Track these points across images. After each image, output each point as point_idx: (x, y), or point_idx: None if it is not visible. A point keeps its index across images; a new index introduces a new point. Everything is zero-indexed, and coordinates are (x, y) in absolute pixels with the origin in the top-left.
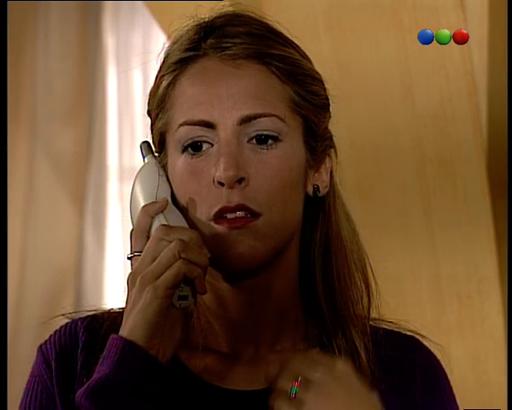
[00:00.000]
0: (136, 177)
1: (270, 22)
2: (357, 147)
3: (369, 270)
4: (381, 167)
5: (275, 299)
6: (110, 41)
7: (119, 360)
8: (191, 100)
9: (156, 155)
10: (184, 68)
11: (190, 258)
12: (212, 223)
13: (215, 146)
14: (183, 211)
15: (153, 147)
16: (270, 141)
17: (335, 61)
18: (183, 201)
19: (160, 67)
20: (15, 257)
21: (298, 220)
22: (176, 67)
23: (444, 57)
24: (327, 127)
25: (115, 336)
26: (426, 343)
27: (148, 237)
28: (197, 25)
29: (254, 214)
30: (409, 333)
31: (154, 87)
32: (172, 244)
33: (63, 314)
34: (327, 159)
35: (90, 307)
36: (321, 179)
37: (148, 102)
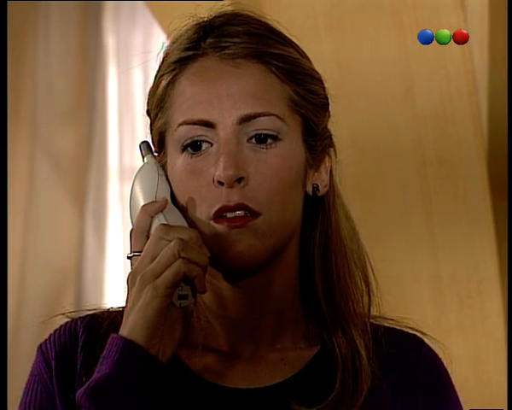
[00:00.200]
0: (135, 176)
1: (269, 21)
2: (357, 147)
3: (369, 269)
4: (382, 167)
5: (275, 298)
6: (110, 41)
7: (119, 360)
8: (190, 99)
9: (156, 154)
10: (184, 68)
11: (190, 257)
12: (212, 222)
13: (214, 145)
14: (183, 210)
15: (152, 147)
16: (269, 140)
17: (336, 61)
18: (182, 200)
19: (160, 67)
20: (16, 257)
21: (297, 220)
22: (175, 66)
23: (444, 57)
24: (326, 126)
25: (115, 335)
26: (427, 341)
27: (148, 237)
28: (196, 24)
29: (254, 214)
30: (410, 331)
31: (153, 87)
32: (172, 243)
33: (63, 313)
34: (326, 158)
35: (89, 306)
36: (320, 179)
37: (148, 102)
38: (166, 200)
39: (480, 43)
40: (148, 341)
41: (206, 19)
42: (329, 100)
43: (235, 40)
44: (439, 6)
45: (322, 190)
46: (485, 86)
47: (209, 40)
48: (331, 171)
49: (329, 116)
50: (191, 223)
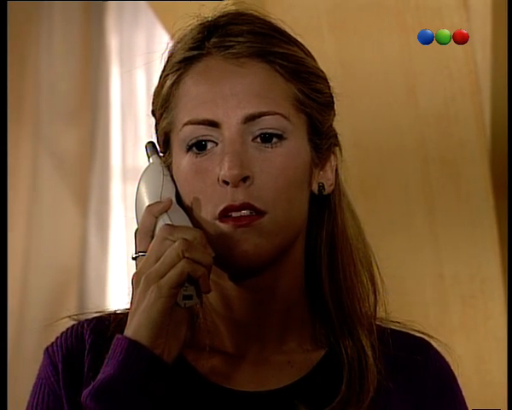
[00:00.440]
0: (141, 177)
1: (273, 21)
2: (360, 147)
3: (375, 268)
4: (384, 167)
5: (280, 297)
6: (113, 41)
7: (124, 360)
8: (195, 99)
9: (161, 154)
10: (188, 67)
11: (194, 257)
12: (217, 222)
13: (219, 145)
14: (188, 210)
15: (158, 147)
16: (274, 139)
17: (339, 61)
18: (187, 200)
19: (164, 67)
20: (19, 257)
21: (303, 218)
22: (180, 66)
23: (447, 57)
24: (331, 125)
25: (120, 336)
26: (434, 344)
27: (153, 237)
28: (201, 24)
29: (259, 213)
30: (417, 334)
31: (158, 87)
32: (176, 244)
33: (69, 316)
34: (332, 157)
35: (95, 308)
36: (326, 177)
37: (153, 102)
38: (171, 200)
39: (482, 43)
40: (153, 341)
41: (210, 18)
42: (334, 99)
43: (240, 39)
44: (442, 6)
45: (328, 189)
46: (488, 86)
47: (213, 40)
48: (337, 170)
49: (335, 115)
50: (196, 223)
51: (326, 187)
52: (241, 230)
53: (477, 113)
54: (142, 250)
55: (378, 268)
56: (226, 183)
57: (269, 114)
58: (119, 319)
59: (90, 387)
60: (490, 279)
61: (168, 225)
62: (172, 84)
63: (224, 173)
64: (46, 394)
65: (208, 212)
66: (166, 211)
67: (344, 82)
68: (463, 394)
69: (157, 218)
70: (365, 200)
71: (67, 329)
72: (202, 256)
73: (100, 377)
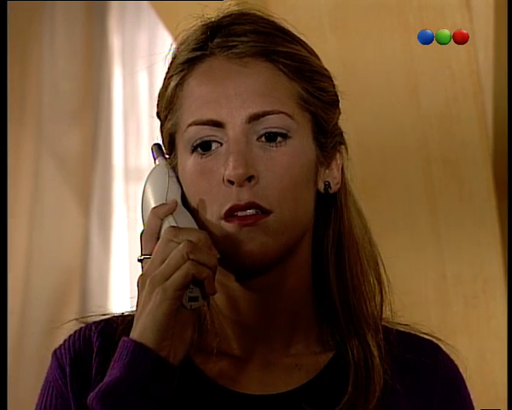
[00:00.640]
0: (146, 179)
1: (276, 20)
2: (362, 147)
3: (381, 267)
4: (387, 167)
5: (287, 297)
6: (116, 42)
7: (130, 363)
8: (199, 100)
9: (167, 156)
10: (192, 68)
11: (199, 259)
12: (223, 222)
13: (224, 145)
14: (194, 211)
15: (163, 149)
16: (279, 138)
17: (341, 62)
18: (193, 201)
19: (168, 68)
20: (21, 257)
21: (309, 217)
22: (183, 67)
23: (449, 57)
24: (337, 124)
25: (126, 338)
26: (443, 347)
27: (158, 239)
28: (204, 25)
29: (265, 212)
30: (426, 337)
31: (162, 89)
32: (181, 246)
33: (76, 319)
34: (337, 155)
35: (97, 308)
36: (332, 176)
37: (157, 104)
38: (176, 202)
39: (484, 43)
40: (159, 343)
41: (213, 19)
42: (339, 97)
43: (243, 39)
44: (444, 6)
45: (334, 188)
46: (491, 86)
47: (216, 40)
48: (342, 168)
49: (340, 113)
50: (202, 223)
51: (332, 186)
52: (247, 229)
53: (479, 113)
54: (147, 252)
55: (384, 267)
56: (231, 182)
57: (273, 113)
58: (127, 321)
59: (96, 390)
60: (492, 279)
61: (173, 227)
62: (176, 86)
63: (229, 173)
64: (54, 396)
65: (214, 212)
66: (171, 213)
67: (346, 82)
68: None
69: (162, 220)
70: (367, 200)
71: (75, 331)
72: (207, 258)
73: (106, 379)
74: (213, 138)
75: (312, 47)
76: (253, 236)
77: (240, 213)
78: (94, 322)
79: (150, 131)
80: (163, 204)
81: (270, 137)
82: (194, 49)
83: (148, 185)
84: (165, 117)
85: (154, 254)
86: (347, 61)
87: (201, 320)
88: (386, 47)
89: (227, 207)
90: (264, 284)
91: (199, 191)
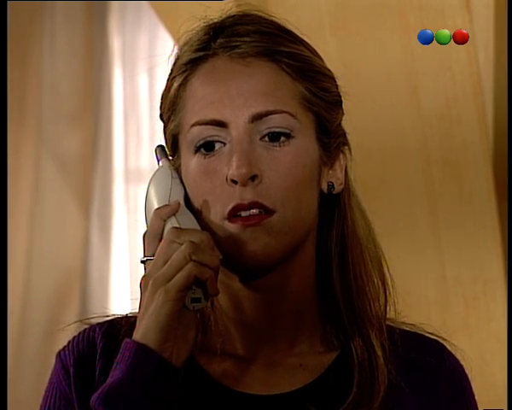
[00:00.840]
0: (150, 180)
1: (279, 20)
2: (362, 148)
3: (385, 267)
4: (387, 168)
5: (291, 297)
6: (116, 43)
7: (133, 364)
8: (202, 100)
9: (170, 158)
10: (195, 69)
11: (201, 260)
12: (226, 222)
13: (227, 145)
14: (197, 212)
15: (167, 150)
16: (282, 138)
17: (341, 62)
18: (196, 202)
19: (171, 69)
20: (21, 258)
21: (313, 217)
22: (186, 68)
23: (450, 58)
24: (340, 124)
25: (128, 340)
26: (448, 347)
27: (161, 240)
28: (207, 25)
29: (268, 211)
30: (431, 336)
31: (165, 90)
32: (183, 247)
33: (80, 320)
34: (341, 156)
35: (99, 311)
36: (335, 177)
37: (160, 106)
38: (179, 203)
39: (485, 44)
40: (161, 345)
41: (216, 20)
42: (342, 98)
43: (246, 39)
44: (445, 7)
45: (338, 188)
46: (491, 88)
47: (219, 40)
48: (346, 169)
49: (343, 114)
50: (205, 224)
51: (335, 186)
52: (250, 229)
53: (479, 114)
54: (150, 253)
55: (388, 268)
56: (235, 182)
57: (276, 113)
58: (131, 323)
59: (99, 391)
60: (492, 281)
61: (175, 228)
62: (179, 86)
63: (233, 173)
64: (58, 398)
65: (217, 212)
66: (174, 214)
67: (346, 83)
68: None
69: (165, 221)
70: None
71: (79, 333)
72: (209, 259)
73: (108, 381)
74: (216, 138)
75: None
76: (256, 236)
77: (243, 213)
78: (98, 323)
79: (150, 132)
80: (166, 205)
81: (274, 136)
82: (197, 50)
83: (151, 187)
84: (168, 118)
85: (156, 255)
86: (348, 62)
87: (205, 321)
88: (386, 48)
89: (230, 206)
90: (268, 284)
91: (202, 191)
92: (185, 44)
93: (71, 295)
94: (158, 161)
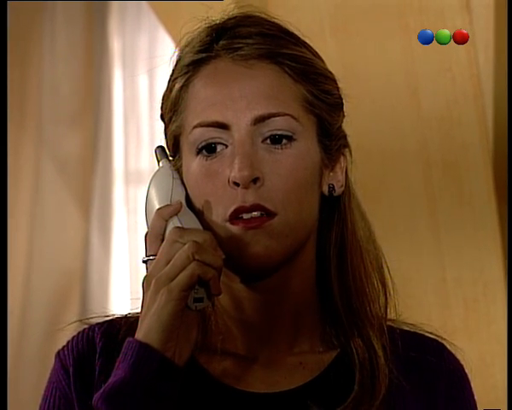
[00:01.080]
0: (150, 181)
1: (281, 23)
2: (362, 149)
3: (385, 269)
4: (387, 170)
5: (292, 298)
6: (116, 44)
7: (135, 363)
8: (204, 102)
9: (171, 158)
10: (197, 70)
11: (204, 259)
12: (228, 224)
13: (229, 147)
14: (199, 213)
15: (167, 151)
16: (284, 140)
17: (341, 64)
18: (198, 203)
19: (173, 70)
20: (21, 260)
21: (314, 220)
22: (188, 69)
23: (450, 60)
24: (341, 126)
25: (131, 339)
26: (448, 346)
27: (163, 240)
28: (209, 27)
29: (270, 214)
30: (431, 336)
31: (166, 90)
32: (186, 246)
33: (80, 320)
34: (342, 158)
35: (98, 311)
36: (336, 179)
37: (161, 106)
38: (181, 203)
39: (485, 45)
40: (164, 344)
41: (218, 21)
42: (343, 100)
43: (248, 41)
44: (445, 8)
45: (338, 191)
46: (491, 89)
47: (222, 42)
48: (346, 171)
49: (344, 116)
50: (207, 225)
51: (336, 188)
52: (252, 232)
53: (479, 115)
54: (152, 253)
55: (389, 270)
56: (236, 184)
57: (278, 115)
58: (130, 322)
59: (102, 390)
60: (492, 283)
61: (178, 227)
62: (181, 88)
63: (235, 175)
64: (57, 398)
65: (219, 214)
66: (176, 214)
67: (346, 85)
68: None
69: (167, 221)
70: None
71: (78, 333)
72: (212, 258)
73: (111, 380)
74: (218, 140)
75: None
76: (257, 239)
77: (245, 216)
78: (97, 323)
79: (150, 133)
80: (168, 205)
81: (276, 139)
82: (199, 51)
83: (152, 187)
84: (170, 119)
85: (159, 254)
86: (348, 64)
87: (205, 320)
88: (386, 49)
89: (232, 209)
90: (269, 285)
91: (204, 193)
92: (187, 46)
93: (71, 297)
94: (158, 162)
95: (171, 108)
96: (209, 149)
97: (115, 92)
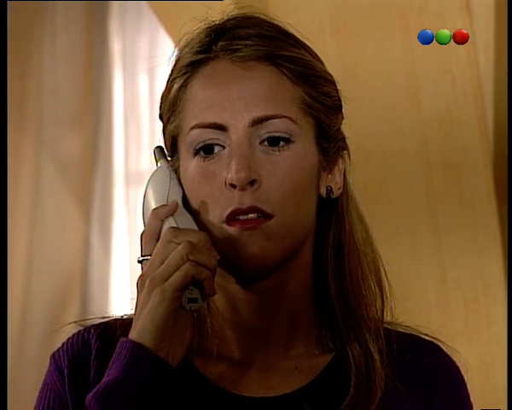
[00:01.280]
0: (148, 181)
1: (280, 24)
2: (362, 150)
3: (382, 272)
4: (387, 171)
5: (288, 300)
6: (116, 45)
7: (128, 363)
8: (202, 103)
9: (169, 158)
10: (195, 71)
11: (198, 260)
12: (225, 225)
13: (227, 149)
14: (196, 214)
15: (165, 151)
16: (281, 143)
17: (341, 65)
18: (195, 203)
19: (172, 71)
20: (21, 261)
21: (311, 222)
22: (187, 70)
23: (450, 61)
24: (339, 128)
25: (124, 339)
26: (444, 348)
27: (159, 240)
28: (208, 27)
29: (267, 216)
30: (427, 338)
31: (165, 90)
32: (180, 247)
33: (75, 322)
34: (340, 160)
35: (98, 312)
36: (334, 181)
37: (160, 106)
38: (177, 203)
39: (485, 46)
40: (157, 344)
41: (217, 22)
42: (342, 102)
43: (247, 42)
44: (445, 10)
45: (336, 193)
46: (491, 90)
47: (221, 43)
48: (345, 173)
49: (343, 118)
50: (203, 226)
51: (334, 191)
52: (248, 232)
53: (480, 117)
54: (147, 253)
55: (386, 273)
56: (233, 186)
57: (276, 118)
58: (126, 324)
59: (95, 390)
60: (493, 284)
61: (173, 228)
62: (180, 88)
63: (232, 177)
64: (52, 399)
65: (215, 215)
66: (172, 214)
67: (346, 85)
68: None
69: (163, 221)
70: (367, 204)
71: (74, 334)
72: (207, 259)
73: (104, 379)
74: (216, 142)
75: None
76: (254, 239)
77: (241, 217)
78: (93, 325)
79: (151, 134)
80: (164, 205)
81: (273, 141)
82: (198, 52)
83: (149, 187)
84: (168, 119)
85: (153, 254)
86: (348, 65)
87: (202, 323)
88: (386, 50)
89: (229, 210)
90: (266, 287)
91: (201, 194)
92: (186, 46)
93: (71, 298)
94: (156, 162)
95: (170, 109)
96: (206, 150)
97: (115, 93)
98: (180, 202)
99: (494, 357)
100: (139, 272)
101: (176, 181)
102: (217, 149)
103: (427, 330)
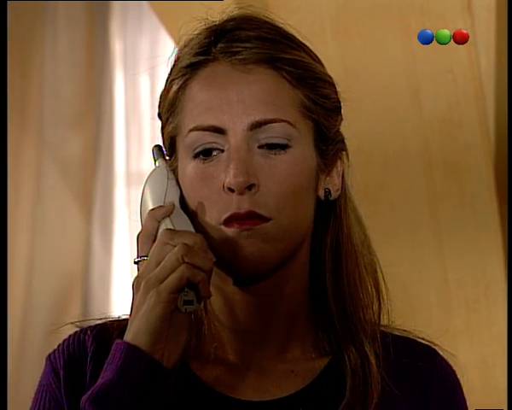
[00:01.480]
0: (146, 180)
1: (281, 25)
2: (364, 151)
3: (379, 275)
4: (388, 171)
5: (285, 302)
6: (117, 46)
7: (123, 365)
8: (201, 105)
9: (167, 158)
10: (194, 73)
11: (194, 262)
12: (222, 226)
13: (225, 152)
14: (193, 215)
15: (164, 150)
16: (280, 147)
17: (342, 66)
18: (192, 205)
19: (171, 71)
20: (23, 262)
21: (309, 224)
22: (186, 71)
23: (451, 61)
24: (338, 130)
25: (119, 341)
26: (440, 352)
27: (155, 242)
28: (208, 28)
29: (264, 219)
30: (423, 342)
31: (164, 91)
32: (176, 249)
33: (72, 322)
34: (338, 162)
35: (99, 313)
36: (332, 183)
37: (159, 105)
38: (173, 204)
39: (486, 47)
40: (152, 346)
41: (217, 23)
42: (342, 103)
43: (247, 45)
44: (446, 11)
45: (334, 195)
46: (492, 91)
47: (220, 45)
48: (343, 175)
49: (342, 120)
50: (200, 228)
51: (332, 193)
52: (246, 233)
53: (481, 117)
54: (143, 254)
55: (383, 275)
56: (231, 190)
57: (275, 122)
58: (123, 325)
59: (89, 392)
60: (494, 284)
61: (169, 229)
62: (178, 89)
63: (230, 181)
64: (48, 400)
65: (213, 217)
66: (169, 215)
67: (347, 86)
68: (467, 403)
69: (159, 222)
70: (369, 204)
71: (70, 336)
72: (202, 261)
73: (99, 382)
74: (214, 145)
75: (314, 51)
76: (251, 241)
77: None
78: (89, 326)
79: (152, 135)
80: (160, 206)
81: (272, 145)
82: (197, 54)
83: (147, 187)
84: (167, 119)
85: (149, 256)
86: (349, 65)
87: (199, 325)
88: (387, 51)
89: (227, 215)
90: (262, 288)
91: (198, 196)
92: (185, 47)
93: (72, 299)
94: (154, 161)
95: (168, 109)
96: (205, 153)
97: (117, 94)
98: (177, 203)
99: (495, 358)
100: None
101: (174, 181)
102: (215, 151)
103: (423, 333)
